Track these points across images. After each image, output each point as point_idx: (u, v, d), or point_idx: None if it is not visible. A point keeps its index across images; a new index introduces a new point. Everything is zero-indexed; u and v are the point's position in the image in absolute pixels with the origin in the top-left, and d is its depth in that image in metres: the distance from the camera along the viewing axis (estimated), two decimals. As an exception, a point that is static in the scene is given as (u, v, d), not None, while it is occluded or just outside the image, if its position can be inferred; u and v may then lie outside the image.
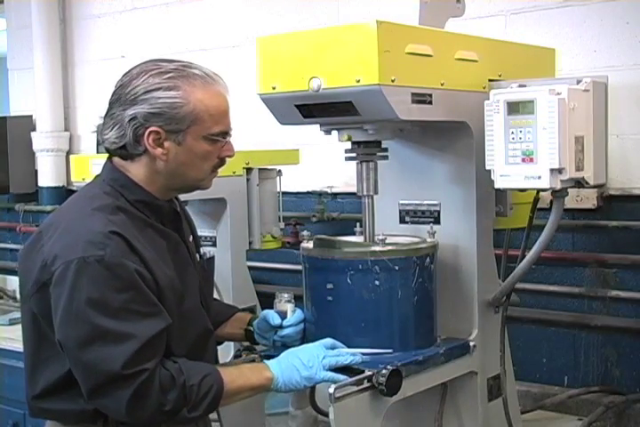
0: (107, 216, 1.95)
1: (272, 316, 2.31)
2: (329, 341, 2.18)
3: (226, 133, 2.06)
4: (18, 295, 5.08)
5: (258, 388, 2.06)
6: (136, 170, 2.03)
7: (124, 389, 1.85)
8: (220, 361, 2.29)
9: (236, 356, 2.39)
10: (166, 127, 1.96)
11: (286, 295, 2.36)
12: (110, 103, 2.02)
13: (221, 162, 2.09)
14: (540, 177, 2.19)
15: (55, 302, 1.90)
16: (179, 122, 1.97)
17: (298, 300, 2.37)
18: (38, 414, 2.08)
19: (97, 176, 2.12)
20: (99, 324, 1.85)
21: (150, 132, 1.96)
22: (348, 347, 2.19)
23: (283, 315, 2.33)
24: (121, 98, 1.99)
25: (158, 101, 1.95)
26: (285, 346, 2.33)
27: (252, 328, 2.36)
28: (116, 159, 2.06)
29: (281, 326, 2.31)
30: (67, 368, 1.94)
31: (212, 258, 2.28)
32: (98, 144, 3.87)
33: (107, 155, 2.10)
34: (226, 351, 2.59)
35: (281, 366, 2.08)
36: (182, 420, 1.92)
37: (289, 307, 2.34)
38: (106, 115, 2.03)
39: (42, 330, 2.01)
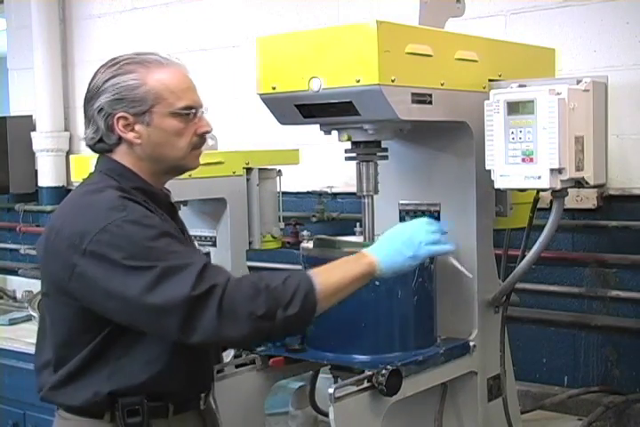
0: (115, 191, 1.99)
1: None
2: (424, 220, 2.13)
3: (192, 108, 2.06)
4: (19, 295, 5.09)
5: (360, 276, 2.00)
6: (121, 159, 2.08)
7: (206, 310, 1.82)
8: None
9: (237, 356, 2.40)
10: (131, 111, 2.01)
11: None
12: (83, 107, 2.09)
13: (201, 139, 2.11)
14: (539, 177, 2.19)
15: (96, 274, 1.89)
16: (141, 103, 2.01)
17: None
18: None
19: (91, 174, 2.14)
20: (151, 267, 1.84)
21: (118, 119, 2.01)
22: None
23: None
24: (87, 96, 2.07)
25: (116, 87, 2.02)
26: (285, 346, 2.33)
27: None
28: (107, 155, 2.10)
29: None
30: (91, 351, 1.97)
31: (208, 254, 2.29)
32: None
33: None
34: (226, 352, 2.58)
35: (381, 249, 2.04)
36: (283, 322, 1.85)
37: None
38: (84, 118, 2.09)
39: (79, 315, 1.99)
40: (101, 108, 2.03)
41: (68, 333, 2.04)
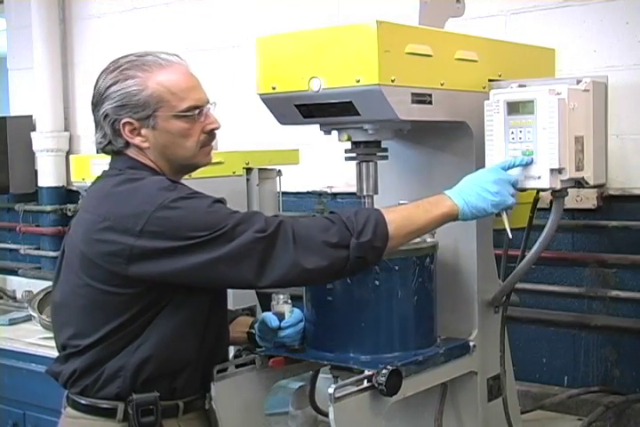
0: (157, 176, 2.06)
1: (270, 318, 2.31)
2: (504, 165, 2.19)
3: (196, 107, 2.09)
4: (19, 295, 5.09)
5: (440, 217, 2.08)
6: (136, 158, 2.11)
7: (281, 243, 1.90)
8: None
9: (236, 356, 2.40)
10: (135, 116, 2.05)
11: (282, 296, 2.36)
12: (91, 109, 2.15)
13: (210, 136, 2.14)
14: (539, 177, 2.19)
15: (161, 249, 1.92)
16: (144, 108, 2.04)
17: (297, 300, 2.37)
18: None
19: (107, 171, 2.16)
20: (220, 229, 1.91)
21: (124, 124, 2.06)
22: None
23: (281, 316, 2.33)
24: (93, 101, 2.14)
25: (118, 94, 2.06)
26: (286, 346, 2.33)
27: (253, 331, 2.36)
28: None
29: (280, 328, 2.31)
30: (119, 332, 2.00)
31: None
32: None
33: (107, 155, 2.19)
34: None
35: (463, 194, 2.10)
36: (357, 249, 1.93)
37: (286, 308, 2.34)
38: (94, 124, 2.15)
39: (119, 300, 2.02)
40: (107, 115, 2.07)
41: (102, 322, 2.03)
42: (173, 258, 1.93)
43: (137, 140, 2.08)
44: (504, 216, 2.26)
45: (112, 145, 2.12)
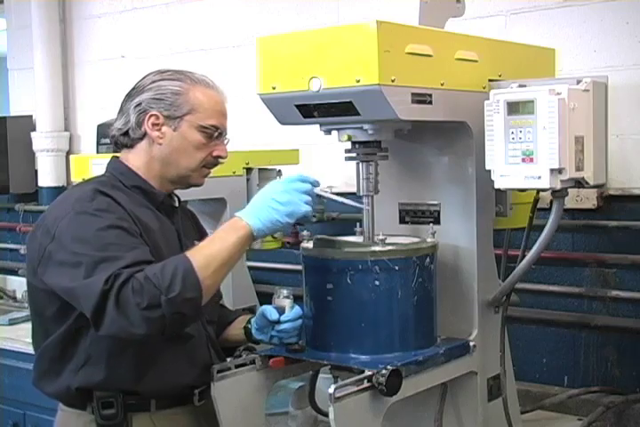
0: (98, 186, 2.14)
1: (270, 311, 2.32)
2: (297, 177, 2.17)
3: (218, 129, 2.22)
4: (19, 295, 5.10)
5: (238, 241, 2.04)
6: (135, 157, 2.23)
7: (108, 305, 1.91)
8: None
9: (236, 356, 2.40)
10: (165, 113, 2.18)
11: (285, 291, 2.36)
12: (121, 103, 2.26)
13: (214, 161, 2.27)
14: (540, 177, 2.18)
15: (55, 257, 2.03)
16: (176, 109, 2.18)
17: (297, 299, 2.37)
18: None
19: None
20: (89, 255, 1.97)
21: (150, 116, 2.18)
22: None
23: (281, 311, 2.33)
24: (131, 92, 2.25)
25: (162, 88, 2.19)
26: (282, 342, 2.33)
27: (249, 326, 2.38)
28: (121, 155, 2.26)
29: (278, 321, 2.31)
30: (62, 340, 2.12)
31: None
32: (98, 144, 3.86)
33: (106, 155, 2.26)
34: (226, 351, 2.58)
35: (254, 210, 2.08)
36: (170, 306, 1.90)
37: (287, 303, 2.34)
38: (118, 112, 2.26)
39: (50, 301, 2.13)
40: (139, 104, 2.19)
41: (41, 317, 2.19)
42: (56, 271, 2.03)
43: (155, 134, 2.19)
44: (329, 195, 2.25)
45: (127, 136, 2.22)
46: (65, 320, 2.11)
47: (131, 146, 2.24)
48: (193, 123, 2.19)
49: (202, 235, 2.42)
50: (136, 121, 2.19)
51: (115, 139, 2.27)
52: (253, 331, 2.37)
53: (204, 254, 2.00)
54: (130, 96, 2.23)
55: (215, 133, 2.22)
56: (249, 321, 2.41)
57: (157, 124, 2.18)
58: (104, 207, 2.06)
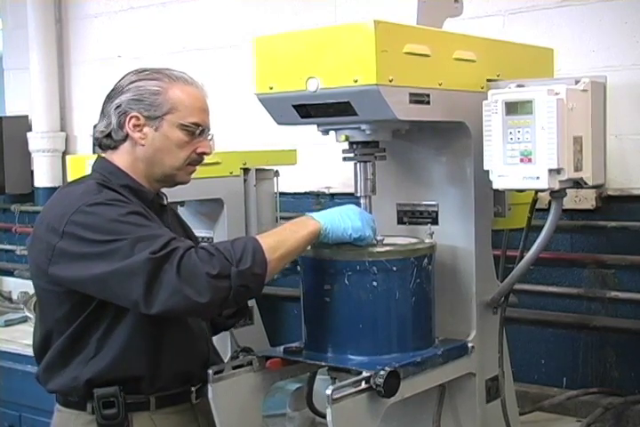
0: (94, 181, 2.17)
1: None
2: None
3: (200, 126, 2.22)
4: (15, 297, 5.09)
5: (307, 235, 2.14)
6: (120, 158, 2.24)
7: (167, 272, 1.95)
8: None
9: (233, 357, 2.40)
10: (145, 113, 2.18)
11: None
12: (102, 104, 2.26)
13: (199, 158, 2.28)
14: (538, 177, 2.19)
15: (74, 252, 2.03)
16: (156, 108, 2.18)
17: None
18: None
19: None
20: (122, 239, 1.99)
21: (131, 118, 2.19)
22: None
23: None
24: (110, 93, 2.25)
25: (139, 89, 2.20)
26: (283, 347, 2.34)
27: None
28: (105, 155, 2.27)
29: None
30: (71, 336, 2.13)
31: None
32: (94, 145, 3.87)
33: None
34: (223, 354, 2.58)
35: (327, 216, 2.19)
36: (238, 278, 1.98)
37: None
38: (100, 114, 2.27)
39: (60, 300, 2.15)
40: (119, 106, 2.19)
41: (51, 318, 2.19)
42: (79, 264, 2.03)
43: (136, 135, 2.19)
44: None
45: (110, 138, 2.23)
46: (77, 318, 2.13)
47: (114, 147, 2.25)
48: (174, 122, 2.19)
49: (187, 233, 2.46)
50: (117, 123, 2.20)
51: (98, 141, 2.28)
52: None
53: (273, 239, 2.09)
54: (110, 98, 2.24)
55: (197, 131, 2.22)
56: None
57: (139, 126, 2.19)
58: (116, 197, 2.11)
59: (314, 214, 2.19)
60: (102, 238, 2.00)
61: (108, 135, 2.23)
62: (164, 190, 2.37)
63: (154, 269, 1.94)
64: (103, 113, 2.24)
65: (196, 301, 1.95)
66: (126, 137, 2.21)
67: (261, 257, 2.02)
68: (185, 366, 2.24)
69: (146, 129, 2.19)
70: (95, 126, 2.26)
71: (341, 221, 2.18)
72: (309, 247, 2.32)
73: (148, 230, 2.03)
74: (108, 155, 2.27)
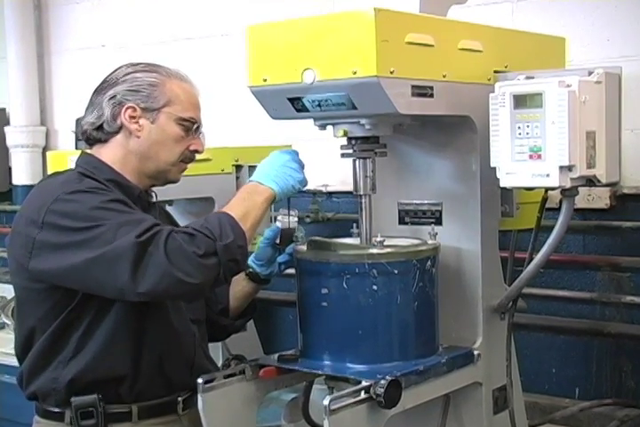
0: (78, 173, 2.22)
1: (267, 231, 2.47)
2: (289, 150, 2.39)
3: (194, 122, 2.29)
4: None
5: (265, 202, 2.23)
6: (110, 151, 2.27)
7: (153, 254, 1.99)
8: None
9: (225, 366, 2.41)
10: (142, 105, 2.24)
11: (285, 210, 2.48)
12: (91, 97, 2.30)
13: (192, 155, 2.34)
14: (548, 175, 2.20)
15: (54, 242, 2.07)
16: (154, 100, 2.24)
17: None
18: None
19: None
20: (104, 224, 2.03)
21: (127, 108, 2.23)
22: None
23: (286, 234, 2.46)
24: (101, 86, 2.29)
25: (137, 80, 2.25)
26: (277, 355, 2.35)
27: (251, 269, 2.49)
28: (92, 151, 2.31)
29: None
30: (51, 337, 2.17)
31: None
32: (77, 140, 3.88)
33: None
34: (215, 360, 2.59)
35: (270, 176, 2.27)
36: (225, 252, 2.05)
37: (292, 220, 2.47)
38: (87, 107, 2.29)
39: (40, 298, 2.19)
40: (114, 96, 2.24)
41: (32, 318, 2.22)
42: (60, 255, 2.06)
43: (133, 127, 2.24)
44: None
45: (100, 131, 2.26)
46: (57, 317, 2.16)
47: (105, 140, 2.28)
48: (171, 115, 2.25)
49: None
50: (111, 114, 2.24)
51: (86, 134, 2.31)
52: (259, 269, 2.49)
53: (240, 210, 2.16)
54: (102, 89, 2.28)
55: (193, 127, 2.29)
56: (245, 272, 2.49)
57: (135, 117, 2.24)
58: (98, 186, 2.16)
59: (259, 179, 2.26)
60: (83, 225, 2.04)
61: (99, 128, 2.26)
62: (154, 189, 2.39)
63: (139, 252, 1.98)
64: (93, 105, 2.27)
65: (189, 282, 2.00)
66: (119, 129, 2.25)
67: (239, 229, 2.10)
68: (168, 369, 2.26)
69: (142, 121, 2.24)
70: (79, 120, 2.30)
71: (286, 178, 2.27)
72: (305, 249, 2.34)
73: (129, 216, 2.08)
74: (95, 150, 2.30)
